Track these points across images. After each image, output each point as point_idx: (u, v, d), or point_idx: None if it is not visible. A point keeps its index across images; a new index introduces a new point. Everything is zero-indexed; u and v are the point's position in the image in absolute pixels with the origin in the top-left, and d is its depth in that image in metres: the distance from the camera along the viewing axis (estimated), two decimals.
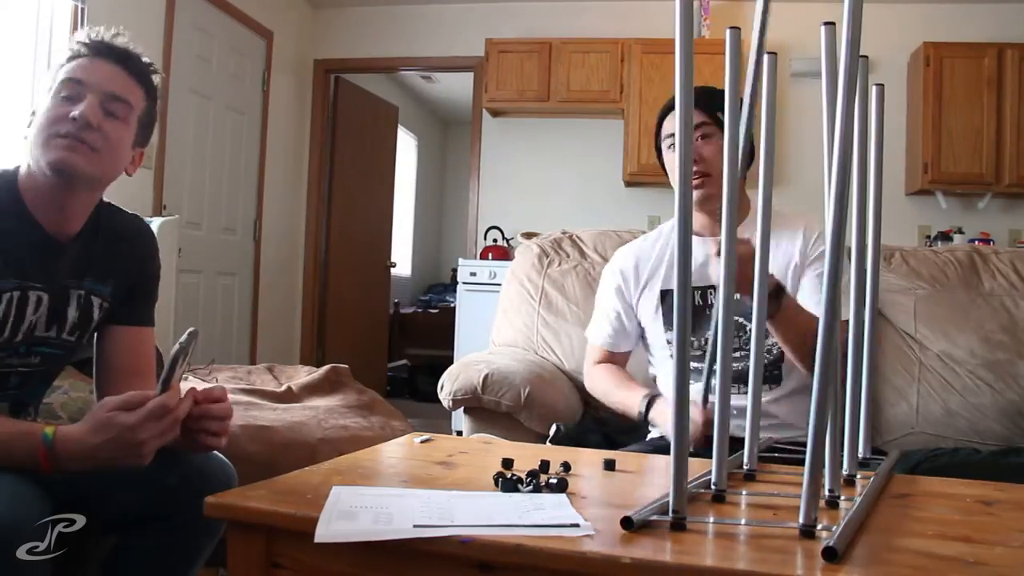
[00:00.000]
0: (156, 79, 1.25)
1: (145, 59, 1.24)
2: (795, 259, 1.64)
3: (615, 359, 1.83)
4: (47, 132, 1.13)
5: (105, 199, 1.28)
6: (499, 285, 2.75)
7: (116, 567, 1.19)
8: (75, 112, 1.12)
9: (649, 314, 1.76)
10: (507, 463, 1.05)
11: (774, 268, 1.61)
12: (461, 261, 4.60)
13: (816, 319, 1.30)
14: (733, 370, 1.51)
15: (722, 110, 1.43)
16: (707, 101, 1.52)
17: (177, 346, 1.02)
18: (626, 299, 1.79)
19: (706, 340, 1.59)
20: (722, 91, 1.37)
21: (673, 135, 1.64)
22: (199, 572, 1.23)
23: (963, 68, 4.06)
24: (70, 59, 1.18)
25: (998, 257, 2.14)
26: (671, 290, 1.62)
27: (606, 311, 1.83)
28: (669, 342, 1.68)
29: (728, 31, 1.02)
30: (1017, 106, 4.06)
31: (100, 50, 1.18)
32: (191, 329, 1.06)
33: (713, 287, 1.62)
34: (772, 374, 1.63)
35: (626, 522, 0.78)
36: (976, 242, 4.02)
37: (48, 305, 1.18)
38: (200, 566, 1.21)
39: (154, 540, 1.16)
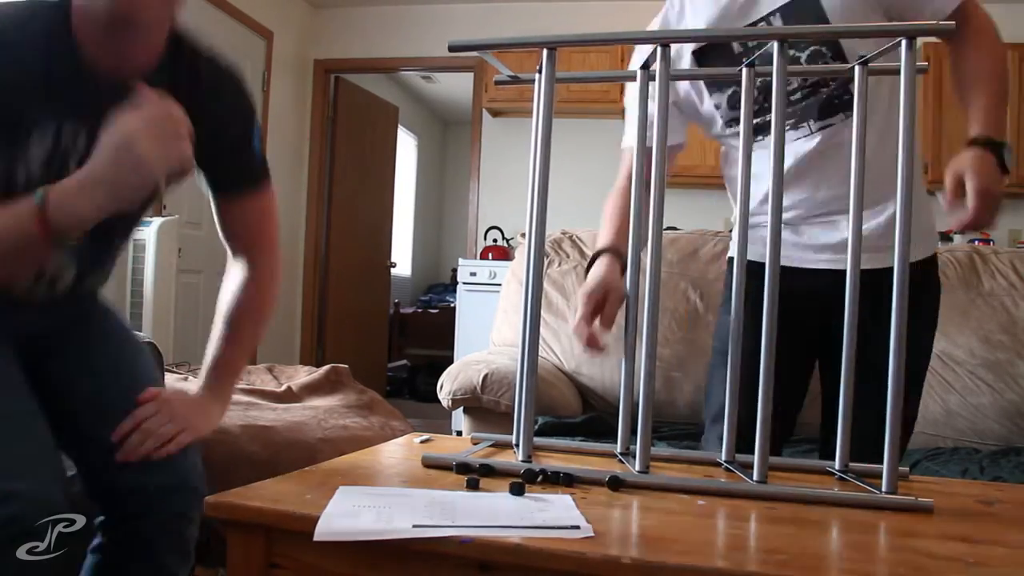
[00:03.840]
0: None
1: None
2: None
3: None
4: None
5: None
6: (499, 285, 2.76)
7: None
8: None
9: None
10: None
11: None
12: (461, 261, 4.60)
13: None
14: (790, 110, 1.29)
15: None
16: None
17: None
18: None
19: (764, 99, 1.24)
20: None
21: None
22: (198, 572, 1.22)
23: None
24: None
25: (998, 257, 2.14)
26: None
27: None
28: (717, 107, 1.35)
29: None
30: (1017, 106, 4.06)
31: None
32: None
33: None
34: (835, 104, 1.26)
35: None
36: (976, 242, 4.02)
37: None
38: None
39: (112, 550, 1.12)
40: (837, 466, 1.05)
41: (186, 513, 1.12)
